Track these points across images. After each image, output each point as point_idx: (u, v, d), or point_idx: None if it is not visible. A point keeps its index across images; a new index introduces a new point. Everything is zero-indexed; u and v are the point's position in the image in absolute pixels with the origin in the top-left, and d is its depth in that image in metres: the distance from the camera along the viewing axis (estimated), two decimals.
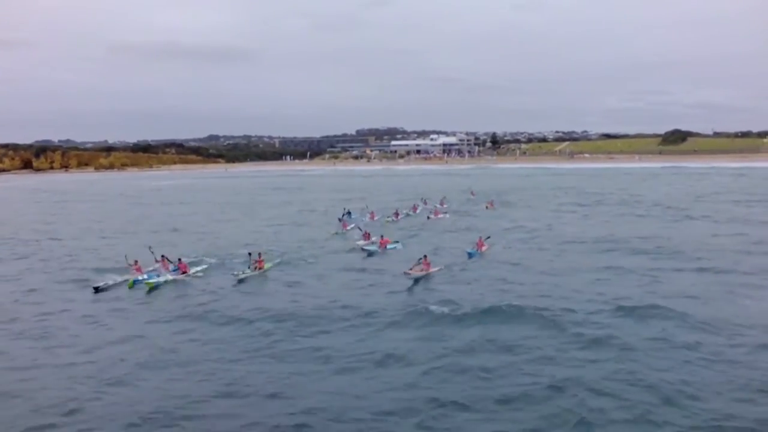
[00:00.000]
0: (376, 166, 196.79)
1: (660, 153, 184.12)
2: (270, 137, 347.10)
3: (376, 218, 46.45)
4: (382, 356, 16.57)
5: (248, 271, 26.70)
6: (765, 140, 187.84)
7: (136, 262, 27.17)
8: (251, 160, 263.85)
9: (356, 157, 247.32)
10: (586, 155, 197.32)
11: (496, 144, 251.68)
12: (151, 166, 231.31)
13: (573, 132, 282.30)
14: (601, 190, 74.27)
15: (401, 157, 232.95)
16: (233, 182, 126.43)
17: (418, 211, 52.29)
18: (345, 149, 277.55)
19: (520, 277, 25.63)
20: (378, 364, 16.04)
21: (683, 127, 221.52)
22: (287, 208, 62.57)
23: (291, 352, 17.19)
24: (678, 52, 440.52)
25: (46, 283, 27.36)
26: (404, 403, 13.61)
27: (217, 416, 13.34)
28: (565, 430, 12.24)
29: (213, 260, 30.65)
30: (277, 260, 29.85)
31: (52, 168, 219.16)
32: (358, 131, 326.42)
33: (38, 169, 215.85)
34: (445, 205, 56.03)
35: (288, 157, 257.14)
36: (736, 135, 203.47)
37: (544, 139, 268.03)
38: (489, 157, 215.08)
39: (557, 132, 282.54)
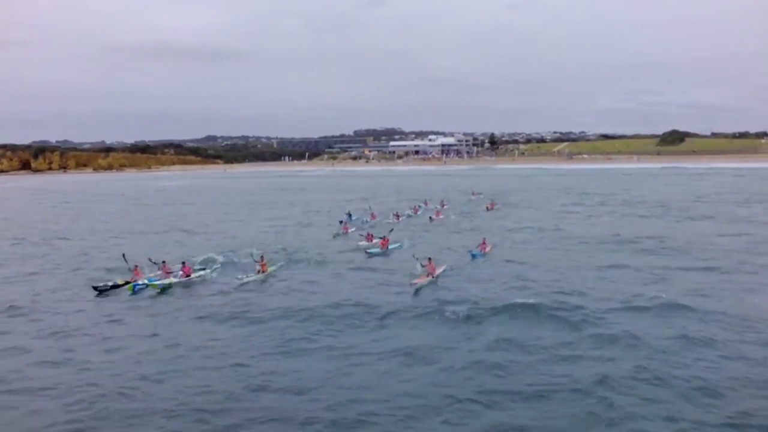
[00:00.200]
0: (375, 167, 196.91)
1: (658, 153, 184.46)
2: (268, 138, 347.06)
3: (377, 219, 46.40)
4: (400, 353, 16.83)
5: (252, 274, 26.56)
6: (763, 141, 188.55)
7: (136, 266, 26.90)
8: (250, 160, 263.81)
9: (355, 158, 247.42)
10: (585, 156, 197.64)
11: (494, 144, 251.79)
12: (150, 167, 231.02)
13: (570, 132, 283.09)
14: (603, 190, 74.57)
15: (400, 157, 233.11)
16: (234, 183, 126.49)
17: (419, 213, 52.21)
18: (343, 150, 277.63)
19: (529, 276, 25.79)
20: (397, 361, 16.27)
21: (678, 128, 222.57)
22: (291, 208, 62.71)
23: (311, 350, 17.43)
24: (672, 52, 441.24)
25: (62, 283, 27.35)
26: (427, 399, 13.86)
27: (249, 410, 13.58)
28: (587, 426, 12.46)
29: (221, 258, 30.79)
30: (281, 263, 29.73)
31: (50, 169, 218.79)
32: (355, 132, 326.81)
33: (37, 170, 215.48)
34: (445, 206, 55.86)
35: (287, 157, 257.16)
36: (734, 135, 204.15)
37: (542, 140, 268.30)
38: (488, 158, 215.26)
39: (555, 132, 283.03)
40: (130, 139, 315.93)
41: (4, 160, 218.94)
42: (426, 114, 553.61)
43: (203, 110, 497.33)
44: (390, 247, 33.55)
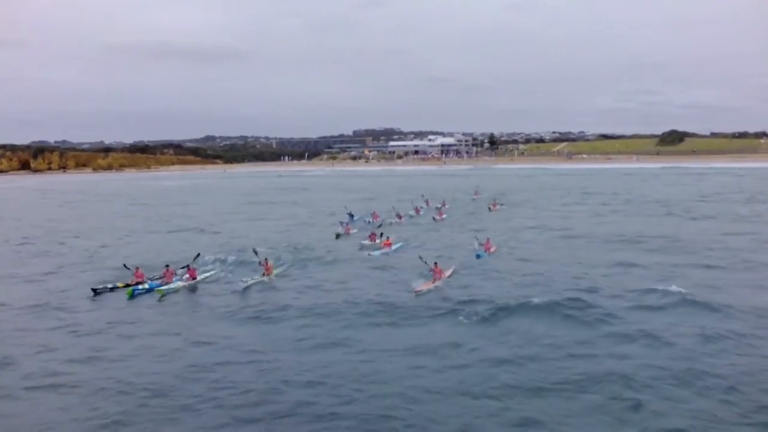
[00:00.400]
0: (375, 167, 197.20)
1: (657, 154, 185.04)
2: (267, 138, 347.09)
3: (379, 219, 46.28)
4: (416, 350, 17.07)
5: (257, 277, 26.11)
6: (762, 141, 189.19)
7: (137, 268, 26.63)
8: (249, 160, 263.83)
9: (354, 158, 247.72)
10: (584, 156, 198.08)
11: (494, 144, 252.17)
12: (149, 167, 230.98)
13: (569, 132, 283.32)
14: (605, 190, 74.90)
15: (399, 157, 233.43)
16: (235, 183, 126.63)
17: (421, 213, 52.13)
18: (343, 150, 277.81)
19: (539, 275, 25.90)
20: (414, 358, 16.51)
21: (677, 128, 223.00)
22: (294, 208, 62.94)
23: (328, 346, 17.67)
24: (671, 52, 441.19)
25: (81, 282, 27.22)
26: (446, 395, 14.11)
27: (275, 404, 13.87)
28: (607, 422, 12.65)
29: (232, 258, 30.88)
30: (286, 265, 29.41)
31: (50, 169, 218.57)
32: (354, 132, 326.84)
33: (36, 170, 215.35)
34: (446, 206, 55.70)
35: (286, 157, 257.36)
36: (734, 135, 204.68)
37: (541, 140, 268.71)
38: (487, 158, 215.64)
39: (554, 132, 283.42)
40: (128, 139, 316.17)
41: (4, 160, 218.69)
42: (425, 114, 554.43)
43: (202, 110, 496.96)
44: (393, 247, 33.57)
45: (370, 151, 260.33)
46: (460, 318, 19.89)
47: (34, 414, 13.88)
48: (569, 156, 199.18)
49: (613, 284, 23.44)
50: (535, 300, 21.15)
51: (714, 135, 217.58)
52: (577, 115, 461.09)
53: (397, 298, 22.52)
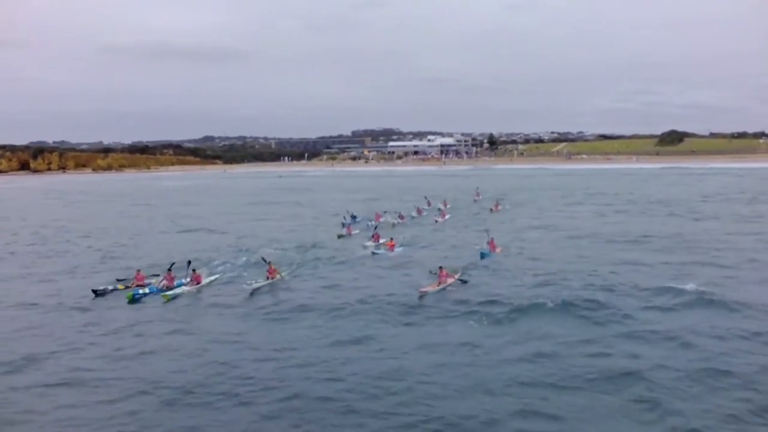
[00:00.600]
0: (375, 167, 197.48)
1: (657, 154, 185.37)
2: (266, 138, 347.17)
3: (381, 220, 46.04)
4: (432, 347, 17.42)
5: (261, 280, 25.57)
6: (761, 141, 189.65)
7: (138, 271, 26.43)
8: (248, 161, 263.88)
9: (354, 158, 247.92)
10: (584, 156, 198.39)
11: (493, 145, 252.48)
12: (149, 168, 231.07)
13: (568, 133, 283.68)
14: (607, 190, 75.13)
15: (399, 158, 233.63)
16: (236, 183, 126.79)
17: (423, 214, 51.99)
18: (342, 150, 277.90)
19: (547, 274, 25.98)
20: (431, 354, 16.84)
21: (676, 128, 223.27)
22: (298, 208, 63.14)
23: (346, 344, 17.92)
24: (670, 52, 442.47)
25: (94, 284, 26.99)
26: (472, 389, 14.44)
27: (316, 400, 14.18)
28: (626, 419, 12.85)
29: (242, 261, 30.93)
30: (293, 266, 29.08)
31: (49, 169, 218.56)
32: (353, 132, 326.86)
33: (36, 171, 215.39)
34: (448, 206, 55.57)
35: (286, 158, 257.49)
36: (733, 136, 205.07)
37: (540, 140, 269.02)
38: (487, 158, 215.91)
39: (553, 132, 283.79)
40: (127, 139, 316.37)
41: (3, 161, 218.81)
42: (424, 114, 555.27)
43: (201, 111, 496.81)
44: (397, 248, 33.55)
45: (369, 152, 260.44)
46: (473, 317, 20.11)
47: (58, 411, 14.09)
48: (569, 156, 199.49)
49: (624, 283, 23.62)
50: (547, 299, 21.34)
51: (713, 135, 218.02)
52: (576, 115, 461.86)
53: (408, 298, 22.67)
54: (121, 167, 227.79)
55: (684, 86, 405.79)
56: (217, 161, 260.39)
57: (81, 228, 49.98)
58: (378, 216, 46.94)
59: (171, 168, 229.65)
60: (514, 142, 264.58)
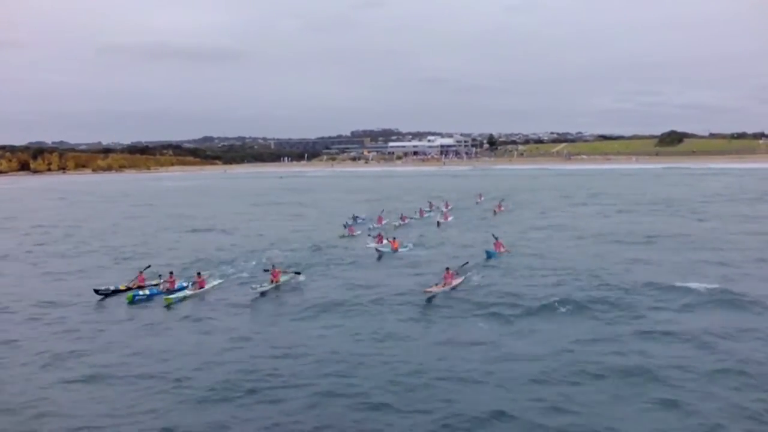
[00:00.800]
0: (375, 168, 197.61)
1: (657, 154, 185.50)
2: (265, 138, 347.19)
3: (383, 223, 45.90)
4: (450, 343, 17.78)
5: (266, 284, 25.05)
6: (761, 141, 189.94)
7: (140, 272, 26.26)
8: (248, 161, 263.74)
9: (354, 159, 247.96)
10: (584, 156, 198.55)
11: (493, 145, 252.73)
12: (149, 168, 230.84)
13: (567, 133, 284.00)
14: (609, 190, 75.35)
15: (399, 158, 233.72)
16: (238, 184, 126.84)
17: (425, 215, 51.76)
18: (342, 150, 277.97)
19: (556, 273, 26.21)
20: (450, 350, 17.16)
21: (676, 128, 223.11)
22: (302, 209, 63.25)
23: (365, 340, 18.15)
24: (670, 52, 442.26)
25: (112, 283, 27.00)
26: (487, 383, 14.77)
27: (333, 394, 14.52)
28: (642, 416, 13.04)
29: (253, 264, 30.72)
30: (294, 270, 27.98)
31: (49, 170, 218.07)
32: (353, 132, 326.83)
33: (36, 171, 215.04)
34: (450, 207, 55.45)
35: (286, 158, 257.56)
36: (732, 136, 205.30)
37: (540, 141, 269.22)
38: (487, 159, 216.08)
39: (552, 133, 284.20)
40: (126, 140, 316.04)
41: (3, 161, 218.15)
42: (423, 115, 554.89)
43: (200, 111, 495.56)
44: (401, 248, 33.68)
45: (369, 152, 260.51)
46: (484, 315, 20.40)
47: (88, 406, 14.41)
48: (568, 157, 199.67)
49: (634, 282, 23.84)
50: (558, 298, 21.63)
51: (713, 135, 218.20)
52: (576, 115, 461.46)
53: (419, 297, 22.81)
54: (121, 168, 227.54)
55: (684, 86, 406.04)
56: (217, 162, 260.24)
57: (91, 228, 50.32)
58: (380, 219, 46.78)
59: (171, 168, 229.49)
60: (513, 142, 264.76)
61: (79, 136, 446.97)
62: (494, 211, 53.06)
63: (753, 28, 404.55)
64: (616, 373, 14.99)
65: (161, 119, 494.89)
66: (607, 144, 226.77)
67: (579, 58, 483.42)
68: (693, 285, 22.48)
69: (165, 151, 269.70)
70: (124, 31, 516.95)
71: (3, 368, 17.05)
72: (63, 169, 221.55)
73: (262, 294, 24.39)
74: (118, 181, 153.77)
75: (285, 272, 26.87)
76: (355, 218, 47.38)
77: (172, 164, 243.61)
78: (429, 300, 22.48)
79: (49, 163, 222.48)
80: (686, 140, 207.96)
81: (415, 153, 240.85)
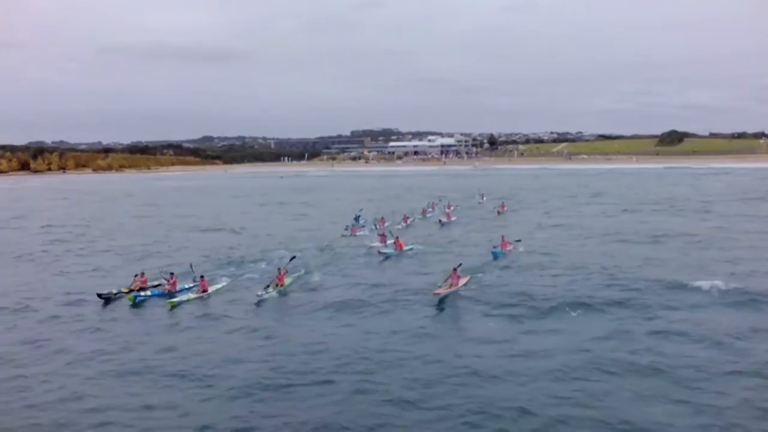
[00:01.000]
0: (375, 167, 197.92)
1: (657, 154, 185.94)
2: (264, 138, 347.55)
3: (385, 225, 45.05)
4: (468, 342, 18.07)
5: (270, 289, 24.43)
6: (761, 141, 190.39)
7: (142, 273, 26.21)
8: (248, 161, 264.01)
9: (354, 158, 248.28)
10: (584, 156, 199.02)
11: (493, 145, 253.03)
12: (149, 168, 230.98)
13: (567, 133, 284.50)
14: (612, 190, 75.56)
15: (399, 158, 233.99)
16: (240, 183, 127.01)
17: (428, 216, 51.73)
18: (342, 150, 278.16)
19: (565, 272, 26.36)
20: (468, 349, 17.37)
21: (676, 128, 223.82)
22: (306, 209, 63.41)
23: (380, 337, 18.40)
24: (670, 53, 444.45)
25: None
26: (505, 379, 15.02)
27: (358, 390, 14.84)
28: (661, 411, 13.31)
29: (263, 264, 30.76)
30: (298, 273, 27.73)
31: (50, 169, 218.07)
32: (353, 132, 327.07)
33: (36, 171, 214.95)
34: (452, 207, 55.31)
35: (286, 158, 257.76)
36: (732, 136, 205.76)
37: (540, 140, 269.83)
38: (487, 158, 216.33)
39: (552, 133, 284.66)
40: (126, 139, 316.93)
41: (4, 161, 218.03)
42: (423, 115, 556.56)
43: (200, 111, 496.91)
44: (406, 248, 33.66)
45: (369, 152, 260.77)
46: (496, 313, 20.70)
47: (121, 402, 14.71)
48: (569, 156, 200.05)
49: (643, 280, 24.03)
50: (567, 296, 21.92)
51: (713, 135, 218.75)
52: (575, 115, 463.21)
53: (429, 297, 22.88)
54: (121, 167, 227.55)
55: (684, 86, 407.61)
56: (217, 161, 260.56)
57: (100, 227, 50.61)
58: (383, 220, 46.22)
59: (171, 168, 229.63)
60: (514, 142, 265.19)
61: (79, 136, 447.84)
62: (498, 211, 52.92)
63: (753, 28, 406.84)
64: (631, 372, 15.20)
65: (161, 119, 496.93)
66: (607, 144, 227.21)
67: (579, 58, 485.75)
68: (704, 283, 22.69)
69: (165, 151, 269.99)
70: (124, 31, 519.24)
71: (32, 366, 17.31)
72: (63, 168, 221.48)
73: (267, 298, 23.87)
74: (120, 181, 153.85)
75: (288, 272, 26.51)
76: (356, 219, 47.37)
77: (173, 164, 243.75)
78: (438, 303, 22.53)
79: (49, 163, 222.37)
80: (686, 140, 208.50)
81: (416, 153, 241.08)
